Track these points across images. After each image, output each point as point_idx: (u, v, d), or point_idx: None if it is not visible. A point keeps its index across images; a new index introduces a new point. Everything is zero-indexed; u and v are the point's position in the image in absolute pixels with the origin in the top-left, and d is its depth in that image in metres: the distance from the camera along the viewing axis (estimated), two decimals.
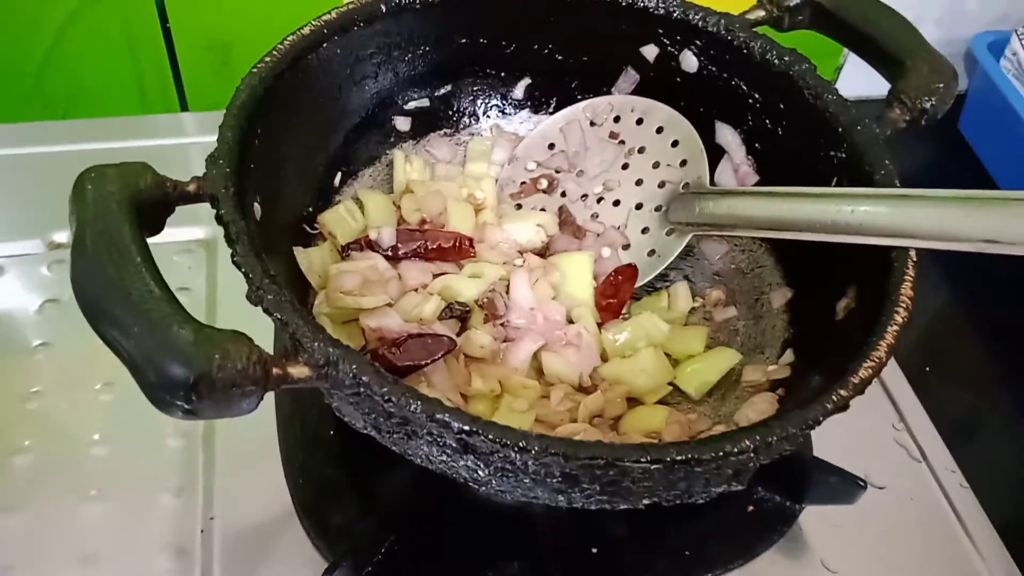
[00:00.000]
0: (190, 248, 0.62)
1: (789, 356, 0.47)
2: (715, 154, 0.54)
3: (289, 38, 0.47)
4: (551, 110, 0.58)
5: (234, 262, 0.38)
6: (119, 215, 0.36)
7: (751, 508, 0.49)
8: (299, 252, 0.48)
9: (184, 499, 0.50)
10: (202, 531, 0.49)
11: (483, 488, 0.38)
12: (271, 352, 0.34)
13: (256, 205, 0.43)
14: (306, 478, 0.50)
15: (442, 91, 0.56)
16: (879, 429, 0.56)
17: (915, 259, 0.41)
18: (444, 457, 0.37)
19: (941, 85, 0.46)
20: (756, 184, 0.53)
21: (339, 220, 0.51)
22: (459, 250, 0.51)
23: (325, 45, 0.48)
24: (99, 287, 0.34)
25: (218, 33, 0.75)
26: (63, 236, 0.63)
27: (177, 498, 0.50)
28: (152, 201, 0.39)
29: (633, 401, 0.48)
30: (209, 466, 0.51)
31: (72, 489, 0.50)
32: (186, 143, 0.73)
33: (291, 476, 0.50)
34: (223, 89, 0.78)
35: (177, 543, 0.48)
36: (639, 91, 0.55)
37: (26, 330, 0.58)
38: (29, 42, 0.73)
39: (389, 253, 0.50)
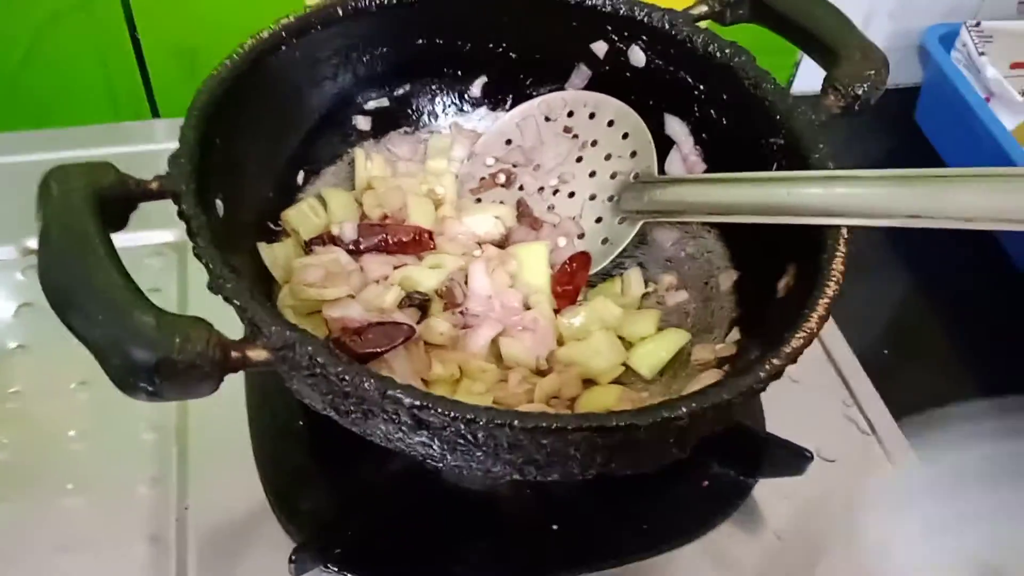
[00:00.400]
0: (161, 251, 0.64)
1: (735, 335, 0.50)
2: (666, 145, 0.56)
3: (248, 41, 0.49)
4: (507, 107, 0.60)
5: (195, 254, 0.40)
6: (83, 210, 0.38)
7: (706, 483, 0.51)
8: (263, 247, 0.50)
9: (159, 490, 0.51)
10: (176, 520, 0.50)
11: (440, 464, 0.40)
12: None
13: (218, 202, 0.45)
14: (276, 466, 0.51)
15: (401, 91, 0.58)
16: (830, 407, 0.59)
17: (847, 236, 0.43)
18: (400, 435, 0.38)
19: (872, 72, 0.49)
20: (704, 172, 0.55)
21: (302, 217, 0.53)
22: (419, 243, 0.53)
23: (284, 48, 0.50)
24: (65, 278, 0.36)
25: (186, 40, 0.76)
26: (36, 242, 0.64)
27: (152, 489, 0.52)
28: (115, 197, 0.41)
29: (589, 383, 0.50)
30: (183, 457, 0.53)
31: (51, 483, 0.52)
32: (157, 149, 0.74)
33: (262, 465, 0.52)
34: (192, 95, 0.80)
35: (153, 532, 0.50)
36: (591, 86, 0.58)
37: (2, 333, 0.59)
38: (1, 53, 0.74)
39: (351, 247, 0.52)
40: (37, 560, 0.49)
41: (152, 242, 0.64)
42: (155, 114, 0.80)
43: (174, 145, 0.76)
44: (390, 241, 0.52)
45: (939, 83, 0.84)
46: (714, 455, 0.52)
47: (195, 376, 0.34)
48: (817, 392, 0.58)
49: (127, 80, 0.77)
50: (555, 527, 0.50)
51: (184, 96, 0.79)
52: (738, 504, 0.52)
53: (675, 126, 0.55)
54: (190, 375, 0.34)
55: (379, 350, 0.46)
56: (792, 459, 0.50)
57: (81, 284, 0.35)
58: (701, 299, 0.54)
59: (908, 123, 0.89)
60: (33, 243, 0.64)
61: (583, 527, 0.50)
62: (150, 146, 0.74)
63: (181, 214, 0.41)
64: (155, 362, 0.33)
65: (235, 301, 0.37)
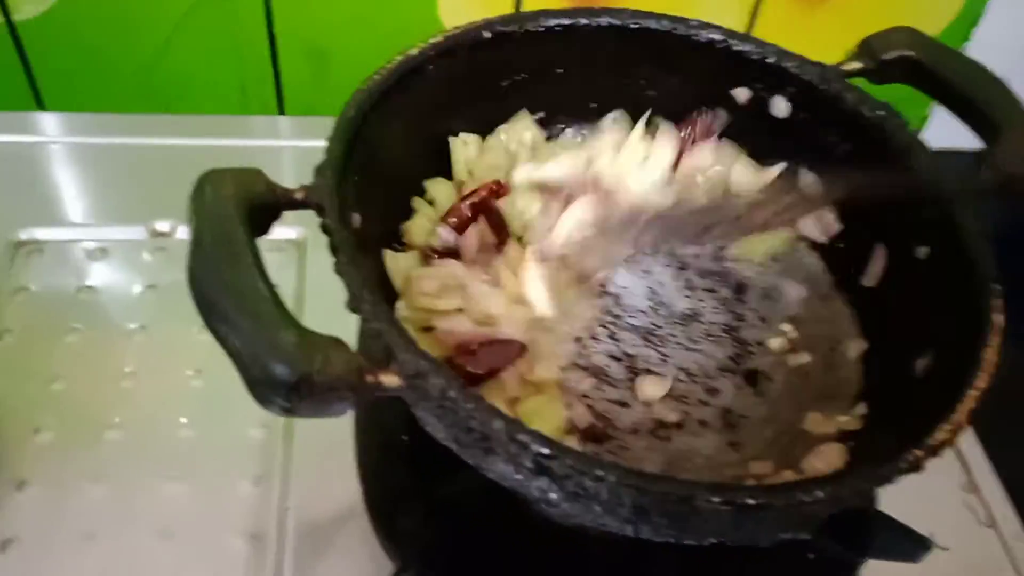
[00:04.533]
0: (282, 247, 0.65)
1: (862, 408, 0.47)
2: None
3: (397, 58, 0.49)
4: None
5: (336, 270, 0.40)
6: (235, 218, 0.38)
7: (811, 556, 0.50)
8: (388, 256, 0.50)
9: (262, 488, 0.52)
10: (277, 520, 0.51)
11: (553, 510, 0.39)
12: None
13: (355, 216, 0.45)
14: (377, 479, 0.52)
15: (535, 118, 0.58)
16: (947, 489, 0.56)
17: (1002, 325, 0.41)
18: (519, 476, 0.38)
19: None
20: (839, 234, 0.53)
21: (419, 227, 0.53)
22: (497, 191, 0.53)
23: (430, 67, 0.50)
24: (214, 284, 0.36)
25: (318, 41, 0.78)
26: (165, 225, 0.66)
27: (255, 486, 0.52)
28: (263, 205, 0.41)
29: None
30: (287, 459, 0.53)
31: (157, 467, 0.53)
32: (281, 145, 0.76)
33: (363, 475, 0.52)
34: (318, 95, 0.82)
35: (253, 529, 0.51)
36: (727, 132, 0.56)
37: (125, 312, 0.61)
38: (142, 38, 0.77)
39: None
40: (137, 542, 0.50)
41: (273, 238, 0.65)
42: (281, 111, 0.82)
43: (297, 143, 0.78)
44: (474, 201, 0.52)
45: None
46: (822, 528, 0.50)
47: (331, 398, 0.35)
48: (935, 473, 0.55)
49: (259, 75, 0.79)
50: None
51: (310, 96, 0.82)
52: None
53: (810, 182, 0.54)
54: (326, 397, 0.34)
55: (495, 369, 0.46)
56: (907, 543, 0.48)
57: (229, 293, 0.36)
58: (824, 364, 0.52)
59: None
60: (161, 225, 0.67)
61: None
62: (274, 141, 0.76)
63: (324, 227, 0.41)
64: (295, 380, 0.34)
65: (374, 324, 0.37)
